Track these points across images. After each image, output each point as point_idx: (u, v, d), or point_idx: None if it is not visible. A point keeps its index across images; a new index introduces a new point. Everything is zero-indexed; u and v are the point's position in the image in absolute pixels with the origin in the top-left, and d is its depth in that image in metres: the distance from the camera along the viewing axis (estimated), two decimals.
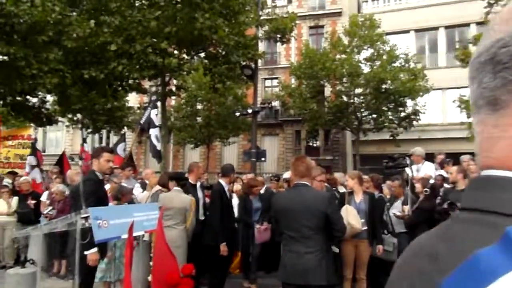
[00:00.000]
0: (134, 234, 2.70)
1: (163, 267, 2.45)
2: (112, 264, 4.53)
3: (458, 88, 19.75)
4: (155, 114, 9.64)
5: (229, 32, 12.17)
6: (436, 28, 22.84)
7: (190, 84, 20.44)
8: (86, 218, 2.85)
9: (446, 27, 22.60)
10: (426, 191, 4.70)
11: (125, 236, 2.63)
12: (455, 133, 19.00)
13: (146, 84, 16.92)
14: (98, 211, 2.88)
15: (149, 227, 3.16)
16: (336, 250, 4.01)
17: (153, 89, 18.20)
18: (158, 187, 6.41)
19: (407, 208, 4.43)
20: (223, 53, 12.96)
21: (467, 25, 21.64)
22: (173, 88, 14.67)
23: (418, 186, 4.83)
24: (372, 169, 7.55)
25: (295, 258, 3.13)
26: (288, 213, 3.25)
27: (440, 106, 21.44)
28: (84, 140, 12.72)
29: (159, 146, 9.41)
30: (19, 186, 8.09)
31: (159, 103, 11.77)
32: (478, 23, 18.78)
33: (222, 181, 5.26)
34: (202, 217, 6.30)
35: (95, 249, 3.15)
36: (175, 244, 4.29)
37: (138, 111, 19.50)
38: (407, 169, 4.59)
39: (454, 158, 7.64)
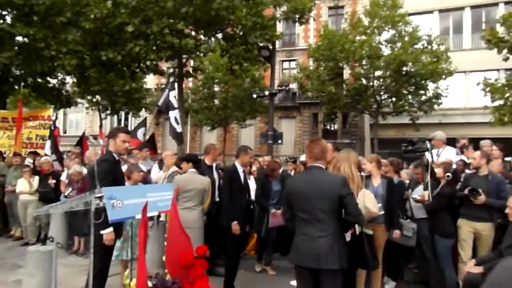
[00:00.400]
0: (148, 214, 2.70)
1: (177, 248, 2.45)
2: (127, 242, 4.59)
3: (482, 71, 19.15)
4: (173, 96, 9.55)
5: (247, 13, 11.99)
6: (461, 8, 21.97)
7: (207, 65, 20.37)
8: (100, 198, 2.87)
9: (472, 7, 21.71)
10: (448, 176, 4.57)
11: (138, 216, 2.64)
12: (477, 117, 18.47)
13: (164, 66, 16.94)
14: (112, 191, 2.90)
15: (163, 207, 3.16)
16: (370, 232, 3.91)
17: (170, 70, 18.20)
18: (174, 168, 6.45)
19: (427, 193, 4.34)
20: (241, 34, 12.81)
21: (495, 4, 20.74)
22: (190, 70, 14.63)
23: (439, 171, 4.71)
24: (391, 153, 7.37)
25: (307, 241, 3.12)
26: (301, 195, 3.20)
27: (463, 89, 20.81)
28: (100, 122, 12.82)
29: (179, 128, 9.36)
30: (40, 166, 8.26)
31: (176, 85, 11.77)
32: (507, 2, 18.00)
33: (236, 163, 5.19)
34: (217, 199, 6.34)
35: (110, 229, 3.17)
36: (194, 225, 4.35)
37: (156, 92, 19.59)
38: (427, 154, 4.47)
39: (475, 143, 7.43)
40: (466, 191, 4.49)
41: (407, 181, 5.45)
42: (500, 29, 12.16)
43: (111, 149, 3.91)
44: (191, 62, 15.59)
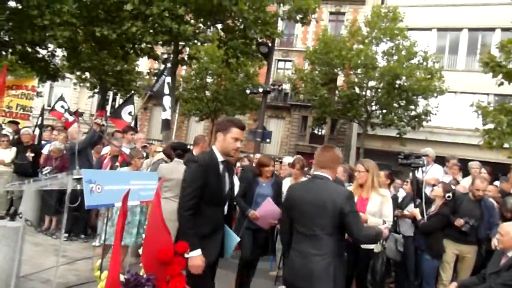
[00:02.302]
0: (129, 203, 2.52)
1: (156, 242, 2.28)
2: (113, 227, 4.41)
3: (473, 93, 19.34)
4: (167, 82, 9.30)
5: (250, 6, 11.78)
6: (459, 29, 22.19)
7: (203, 56, 20.10)
8: (78, 180, 2.68)
9: (470, 29, 21.94)
10: (448, 196, 4.51)
11: (118, 204, 2.46)
12: (463, 138, 18.69)
13: (159, 51, 16.60)
14: (91, 174, 2.70)
15: (146, 197, 2.98)
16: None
17: (165, 56, 17.84)
18: (160, 156, 6.24)
19: (417, 210, 4.26)
20: (241, 27, 12.60)
21: (492, 29, 21.00)
22: (185, 58, 14.34)
23: (437, 190, 4.65)
24: (378, 165, 7.28)
25: (301, 258, 2.82)
26: (300, 206, 2.89)
27: (452, 109, 21.02)
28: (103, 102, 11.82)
29: (167, 115, 9.10)
30: (19, 138, 7.95)
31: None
32: (504, 29, 18.20)
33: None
34: None
35: (198, 252, 2.77)
36: (170, 217, 4.10)
37: (148, 77, 19.21)
38: (420, 170, 4.40)
39: (460, 164, 7.43)
40: (463, 223, 4.47)
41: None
42: (498, 54, 12.26)
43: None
44: (187, 50, 15.30)
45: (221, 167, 2.93)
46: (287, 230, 3.03)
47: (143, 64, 23.07)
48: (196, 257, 2.65)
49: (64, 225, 3.03)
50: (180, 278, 2.22)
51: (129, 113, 9.73)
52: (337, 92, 20.41)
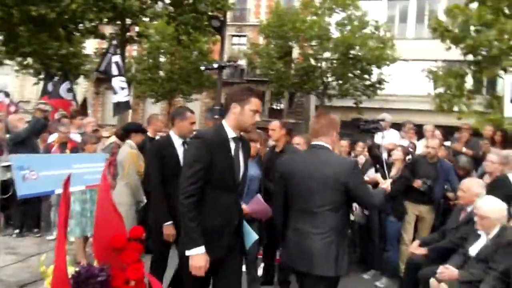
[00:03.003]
0: (71, 189, 2.30)
1: (107, 229, 2.08)
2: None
3: (422, 60, 19.92)
4: (117, 61, 8.72)
5: None
6: None
7: (153, 34, 19.30)
8: (7, 168, 2.39)
9: None
10: (409, 159, 4.59)
11: (59, 191, 2.22)
12: (416, 104, 19.32)
13: (106, 31, 15.70)
14: (23, 159, 2.39)
15: (91, 181, 2.71)
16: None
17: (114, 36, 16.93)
18: (112, 139, 5.92)
19: (378, 175, 4.28)
20: (190, 0, 12.07)
21: None
22: (134, 36, 13.64)
23: (397, 154, 4.71)
24: (340, 134, 7.34)
25: (299, 237, 2.53)
26: (298, 180, 2.59)
27: (404, 77, 21.61)
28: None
29: (119, 97, 8.57)
30: None
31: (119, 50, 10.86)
32: None
33: (172, 132, 3.58)
34: None
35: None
36: (119, 201, 3.86)
37: (96, 59, 18.21)
38: (380, 134, 4.41)
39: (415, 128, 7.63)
40: (421, 184, 4.57)
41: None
42: (445, 20, 12.61)
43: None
44: (136, 29, 14.57)
45: (232, 144, 2.40)
46: (281, 207, 2.75)
47: (90, 46, 21.84)
48: (197, 256, 2.19)
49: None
50: (138, 265, 2.05)
51: (68, 90, 8.96)
52: (293, 65, 20.40)
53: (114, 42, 8.95)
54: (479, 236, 3.45)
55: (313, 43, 18.71)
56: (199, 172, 2.26)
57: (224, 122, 2.44)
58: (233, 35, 24.96)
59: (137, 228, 2.20)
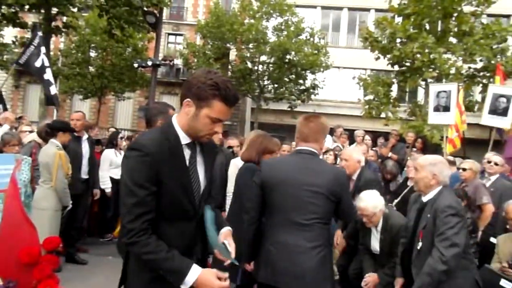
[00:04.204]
0: None
1: (16, 241, 1.83)
2: None
3: (353, 68, 20.99)
4: (43, 53, 8.18)
5: None
6: (340, 8, 23.73)
7: (83, 27, 18.15)
8: None
9: (349, 9, 23.62)
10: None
11: None
12: (347, 110, 20.29)
13: (28, 19, 14.43)
14: None
15: None
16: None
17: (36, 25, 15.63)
18: (32, 137, 5.41)
19: None
20: None
21: (368, 10, 22.88)
22: (60, 26, 12.64)
23: (330, 158, 4.82)
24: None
25: (287, 253, 2.26)
26: (284, 188, 2.33)
27: (336, 83, 22.59)
28: None
29: (53, 90, 8.10)
30: None
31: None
32: (378, 10, 19.91)
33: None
34: (85, 176, 5.55)
35: None
36: (39, 206, 3.57)
37: (17, 49, 16.68)
38: None
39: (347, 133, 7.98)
40: None
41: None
42: (375, 31, 13.38)
43: None
44: (64, 19, 13.56)
45: (187, 152, 1.72)
46: (256, 219, 2.45)
47: (10, 35, 20.00)
48: (201, 278, 1.59)
49: None
50: (51, 280, 1.82)
51: None
52: (230, 67, 20.39)
53: (40, 33, 8.23)
54: (370, 230, 3.57)
55: (250, 46, 18.89)
56: (145, 199, 1.59)
57: (174, 120, 1.74)
58: (170, 34, 24.40)
59: (53, 239, 1.97)
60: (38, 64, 8.08)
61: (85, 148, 5.57)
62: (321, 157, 5.21)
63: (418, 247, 2.80)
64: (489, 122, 6.67)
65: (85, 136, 5.66)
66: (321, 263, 2.25)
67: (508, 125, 6.44)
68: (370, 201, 3.37)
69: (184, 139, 1.71)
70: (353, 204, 2.61)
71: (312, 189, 2.29)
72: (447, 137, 6.69)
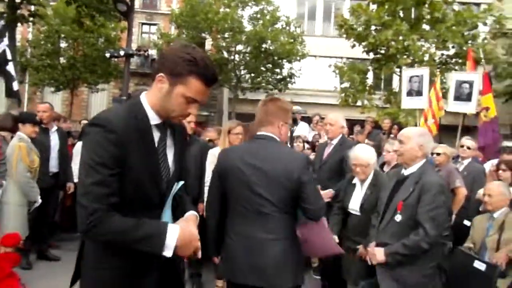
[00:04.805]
0: None
1: None
2: None
3: (329, 57, 21.06)
4: (6, 45, 7.75)
5: None
6: None
7: (51, 16, 17.50)
8: None
9: None
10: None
11: None
12: (323, 99, 20.36)
13: None
14: None
15: None
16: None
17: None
18: None
19: None
20: None
21: None
22: (25, 15, 12.11)
23: (299, 145, 4.79)
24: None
25: (248, 246, 2.12)
26: (240, 176, 2.17)
27: (313, 72, 22.64)
28: None
29: (15, 85, 7.69)
30: None
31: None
32: None
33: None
34: (55, 169, 5.35)
35: None
36: (3, 200, 3.40)
37: None
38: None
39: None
40: None
41: None
42: (350, 18, 13.43)
43: None
44: (32, 8, 12.99)
45: (156, 134, 1.56)
46: (217, 212, 2.32)
47: None
48: (182, 236, 1.44)
49: None
50: (11, 280, 1.71)
51: None
52: None
53: (2, 22, 7.83)
54: (354, 186, 3.53)
55: (226, 35, 18.68)
56: (108, 180, 1.39)
57: (143, 98, 1.57)
58: (143, 23, 23.85)
59: (12, 235, 1.85)
60: (8, 57, 7.69)
61: (54, 140, 5.36)
62: (293, 144, 5.23)
63: (397, 219, 2.76)
64: (455, 108, 6.81)
65: (54, 128, 5.45)
66: (283, 256, 2.11)
67: (472, 110, 6.60)
68: (365, 153, 3.40)
69: (154, 119, 1.54)
70: (319, 195, 2.31)
71: (268, 176, 2.13)
72: (419, 123, 6.77)
